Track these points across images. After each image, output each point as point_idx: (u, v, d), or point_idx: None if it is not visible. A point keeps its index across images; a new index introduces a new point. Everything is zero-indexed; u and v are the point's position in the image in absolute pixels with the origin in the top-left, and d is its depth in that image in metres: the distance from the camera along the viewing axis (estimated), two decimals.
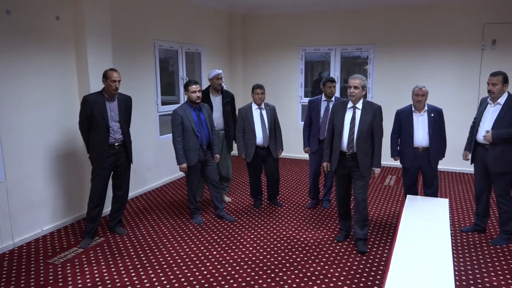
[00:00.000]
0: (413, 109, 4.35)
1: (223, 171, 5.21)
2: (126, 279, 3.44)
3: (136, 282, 3.40)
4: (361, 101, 3.78)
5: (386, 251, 3.95)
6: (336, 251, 3.97)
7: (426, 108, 4.31)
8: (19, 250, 4.00)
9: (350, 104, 3.80)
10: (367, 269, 3.60)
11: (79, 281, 3.41)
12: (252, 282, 3.39)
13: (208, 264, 3.71)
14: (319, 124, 4.89)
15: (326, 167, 4.10)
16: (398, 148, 4.50)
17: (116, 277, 3.48)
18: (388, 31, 7.02)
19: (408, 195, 4.33)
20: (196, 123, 4.47)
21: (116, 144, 4.13)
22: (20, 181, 4.09)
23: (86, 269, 3.62)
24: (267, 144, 4.88)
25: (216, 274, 3.53)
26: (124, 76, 5.11)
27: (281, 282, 3.40)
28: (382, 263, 3.71)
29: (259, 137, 4.84)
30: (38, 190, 4.29)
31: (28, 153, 4.16)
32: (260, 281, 3.41)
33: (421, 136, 4.30)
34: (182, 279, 3.44)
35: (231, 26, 8.01)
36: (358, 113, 3.76)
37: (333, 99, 4.84)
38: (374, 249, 3.99)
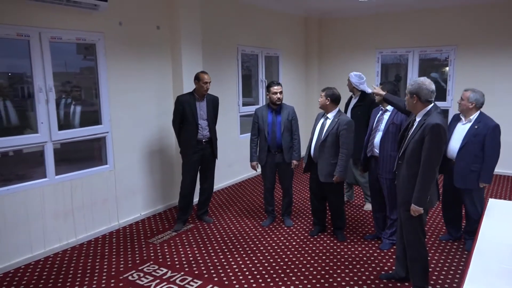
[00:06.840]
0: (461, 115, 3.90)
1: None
2: (215, 260, 3.83)
3: (225, 263, 3.78)
4: (421, 112, 2.97)
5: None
6: None
7: (474, 117, 3.71)
8: (123, 230, 4.59)
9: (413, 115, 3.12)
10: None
11: (176, 259, 3.87)
12: (331, 271, 3.61)
13: (288, 253, 3.99)
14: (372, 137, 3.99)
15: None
16: None
17: (206, 257, 3.89)
18: (471, 31, 6.79)
19: (490, 199, 4.20)
20: (269, 124, 4.44)
21: (203, 140, 4.54)
22: (124, 170, 4.69)
23: (181, 249, 4.08)
24: (317, 160, 4.14)
25: (297, 262, 3.80)
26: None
27: (354, 274, 3.59)
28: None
29: (313, 150, 4.20)
30: (138, 179, 4.88)
31: (130, 146, 4.75)
32: (339, 271, 3.62)
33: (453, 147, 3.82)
34: (266, 264, 3.76)
35: (307, 31, 8.24)
36: (413, 127, 3.03)
37: (389, 107, 3.83)
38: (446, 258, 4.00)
